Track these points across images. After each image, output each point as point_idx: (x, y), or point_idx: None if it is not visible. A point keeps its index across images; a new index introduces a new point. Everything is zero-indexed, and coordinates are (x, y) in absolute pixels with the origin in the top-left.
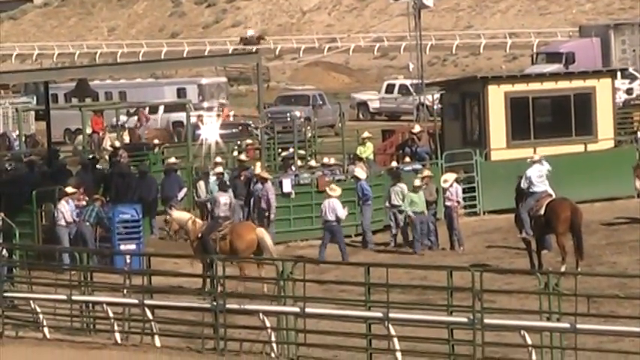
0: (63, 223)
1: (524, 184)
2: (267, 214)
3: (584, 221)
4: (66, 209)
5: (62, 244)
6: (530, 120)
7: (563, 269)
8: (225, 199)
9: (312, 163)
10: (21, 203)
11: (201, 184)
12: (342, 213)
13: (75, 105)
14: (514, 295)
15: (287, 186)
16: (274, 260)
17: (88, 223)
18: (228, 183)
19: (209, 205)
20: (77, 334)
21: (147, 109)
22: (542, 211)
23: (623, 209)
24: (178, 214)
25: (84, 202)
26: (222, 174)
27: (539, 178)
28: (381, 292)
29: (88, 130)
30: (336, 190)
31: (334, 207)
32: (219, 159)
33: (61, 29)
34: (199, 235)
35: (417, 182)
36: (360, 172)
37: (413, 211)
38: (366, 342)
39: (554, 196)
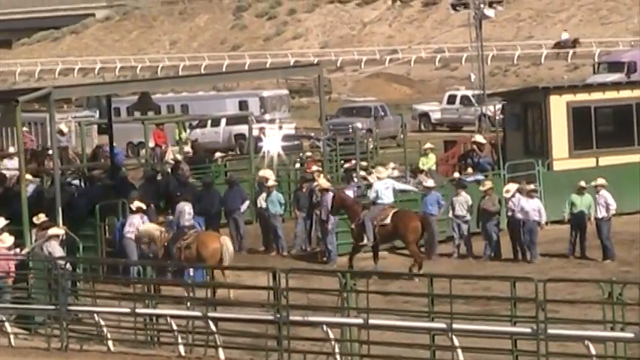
0: (131, 236)
1: (371, 195)
2: (326, 225)
3: None
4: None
5: (130, 256)
6: (593, 130)
7: (416, 271)
8: (189, 208)
9: (372, 178)
10: (84, 217)
11: (263, 195)
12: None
13: (137, 118)
14: (577, 305)
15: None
16: (336, 272)
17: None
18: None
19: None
20: (141, 346)
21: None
22: (387, 220)
23: None
24: (146, 227)
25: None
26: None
27: (385, 190)
28: (444, 303)
29: (151, 144)
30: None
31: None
32: (263, 172)
33: (122, 43)
34: (165, 244)
35: (583, 183)
36: (431, 181)
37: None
38: (430, 353)
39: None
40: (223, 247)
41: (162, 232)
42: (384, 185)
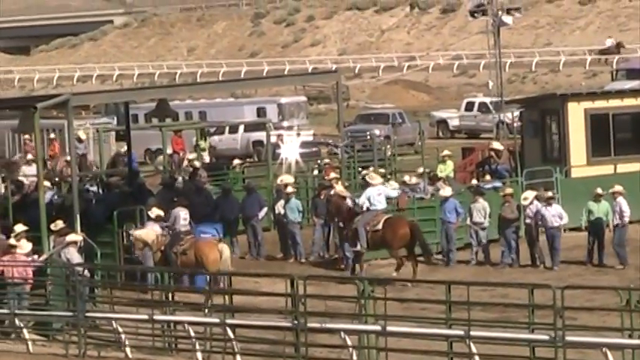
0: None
1: (363, 202)
2: (344, 231)
3: None
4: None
5: (146, 263)
6: (611, 137)
7: (395, 275)
8: (185, 214)
9: (389, 184)
10: (102, 223)
11: (281, 202)
12: None
13: (155, 125)
14: (595, 312)
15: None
16: (354, 279)
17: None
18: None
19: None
20: (159, 353)
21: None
22: (379, 226)
23: None
24: (140, 232)
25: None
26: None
27: (378, 196)
28: (461, 310)
29: (169, 151)
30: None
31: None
32: (283, 178)
33: (140, 50)
34: (162, 249)
35: (599, 191)
36: (448, 189)
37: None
38: None
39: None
40: (222, 254)
41: (158, 236)
42: (377, 191)
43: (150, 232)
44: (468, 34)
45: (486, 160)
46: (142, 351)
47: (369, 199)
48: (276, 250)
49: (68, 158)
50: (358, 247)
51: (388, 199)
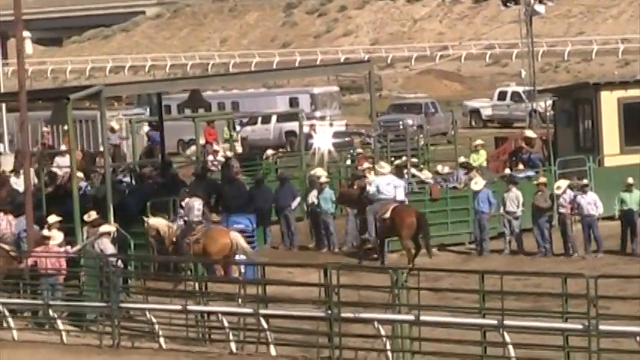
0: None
1: (372, 191)
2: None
3: None
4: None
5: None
6: None
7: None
8: (199, 204)
9: (423, 174)
10: (135, 214)
11: (314, 192)
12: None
13: (188, 116)
14: (629, 301)
15: (400, 194)
16: (387, 268)
17: None
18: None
19: (182, 212)
20: (193, 344)
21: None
22: (387, 215)
23: None
24: (155, 221)
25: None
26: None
27: (387, 186)
28: (495, 299)
29: (202, 141)
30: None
31: None
32: (316, 171)
33: (173, 40)
34: (174, 240)
35: (630, 180)
36: (480, 181)
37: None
38: (481, 349)
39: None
40: (233, 242)
41: (171, 227)
42: (386, 181)
43: (162, 221)
44: (501, 24)
45: (519, 150)
46: (176, 341)
47: (377, 189)
48: (309, 240)
49: (101, 149)
50: (366, 236)
51: (421, 188)
